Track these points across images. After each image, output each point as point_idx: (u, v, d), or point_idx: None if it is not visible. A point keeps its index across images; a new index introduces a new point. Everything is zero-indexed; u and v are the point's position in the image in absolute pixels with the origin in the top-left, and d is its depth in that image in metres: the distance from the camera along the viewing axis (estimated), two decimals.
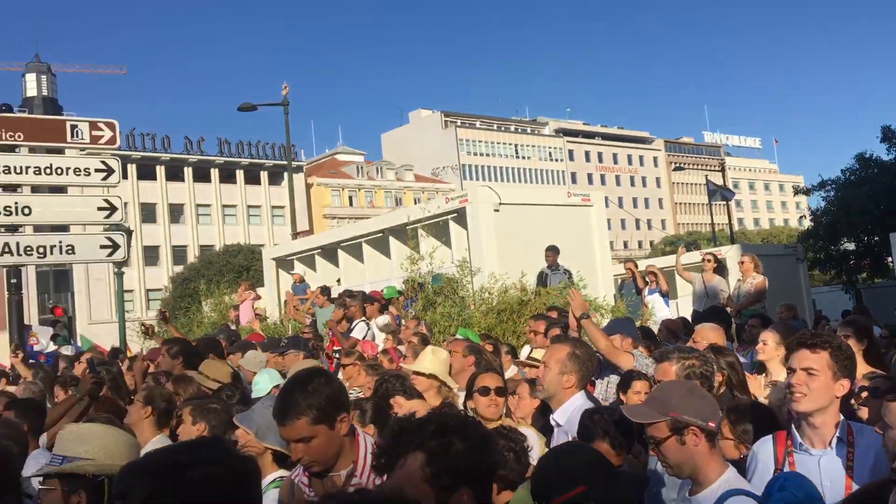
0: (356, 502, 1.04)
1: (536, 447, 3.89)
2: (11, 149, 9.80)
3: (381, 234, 14.16)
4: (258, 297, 15.47)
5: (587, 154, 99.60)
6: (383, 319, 10.29)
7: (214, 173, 63.92)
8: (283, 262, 17.04)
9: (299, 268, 15.89)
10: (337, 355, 8.91)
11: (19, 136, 9.73)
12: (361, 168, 78.91)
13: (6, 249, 9.49)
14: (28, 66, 60.03)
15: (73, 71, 76.94)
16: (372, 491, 1.22)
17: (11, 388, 7.02)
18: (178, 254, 59.50)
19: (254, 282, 17.19)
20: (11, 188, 9.79)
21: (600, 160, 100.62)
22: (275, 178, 65.99)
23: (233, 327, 13.48)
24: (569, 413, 3.82)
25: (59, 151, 13.24)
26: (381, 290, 11.26)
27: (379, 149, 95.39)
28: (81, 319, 50.84)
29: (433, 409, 3.99)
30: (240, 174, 64.97)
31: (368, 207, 72.85)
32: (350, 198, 75.63)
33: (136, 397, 5.10)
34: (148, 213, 59.46)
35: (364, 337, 9.95)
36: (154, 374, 6.74)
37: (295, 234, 22.93)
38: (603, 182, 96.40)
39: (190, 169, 62.59)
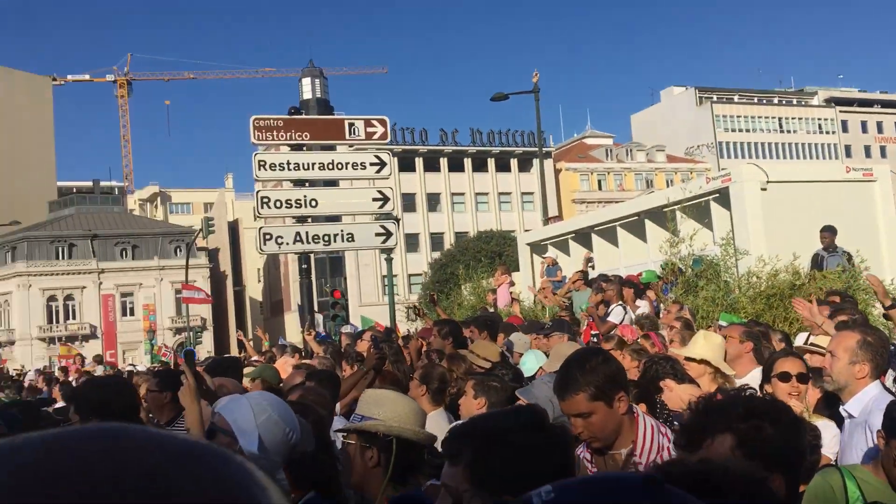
0: (702, 471, 1.07)
1: (834, 442, 3.66)
2: (300, 147, 10.96)
3: (636, 217, 13.92)
4: (513, 283, 15.89)
5: (863, 124, 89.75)
6: (643, 308, 10.12)
7: (467, 163, 66.35)
8: (537, 247, 17.35)
9: (552, 252, 16.09)
10: (594, 339, 8.93)
11: (306, 136, 10.85)
12: (610, 151, 77.68)
13: (297, 238, 10.63)
14: (303, 71, 66.20)
15: (341, 74, 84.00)
16: (723, 462, 1.24)
17: (306, 362, 7.86)
18: (436, 240, 62.60)
19: (508, 266, 17.66)
20: (300, 183, 10.95)
21: (880, 130, 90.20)
22: (524, 165, 67.08)
23: (490, 310, 13.97)
24: (863, 404, 3.55)
25: (331, 148, 14.52)
26: (639, 274, 11.07)
27: (628, 130, 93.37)
28: (353, 301, 55.35)
29: (736, 391, 3.85)
30: (491, 162, 66.85)
31: (618, 191, 71.63)
32: (599, 181, 74.82)
33: (414, 375, 5.51)
34: (408, 202, 63.17)
35: (621, 321, 9.87)
36: (427, 353, 7.23)
37: (546, 220, 23.19)
38: (883, 154, 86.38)
39: (445, 159, 65.53)
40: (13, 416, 4.03)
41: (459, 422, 2.89)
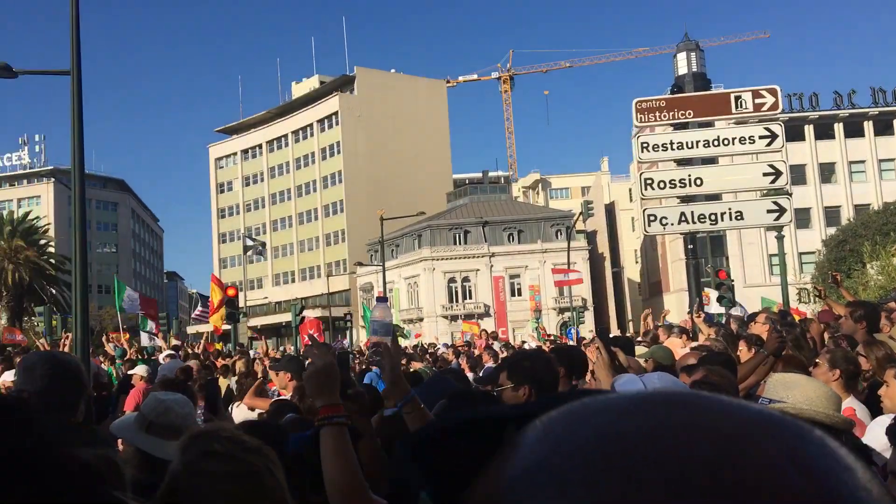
0: None
1: None
2: (683, 126, 10.79)
3: None
4: None
5: None
6: None
7: (868, 126, 59.03)
8: None
9: None
10: None
11: (689, 114, 10.64)
12: None
13: (682, 218, 10.49)
14: (678, 46, 64.57)
15: (718, 44, 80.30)
16: None
17: (702, 343, 7.78)
18: (831, 214, 56.92)
19: None
20: (685, 161, 10.77)
21: None
22: None
23: None
24: None
25: (709, 124, 14.12)
26: None
27: None
28: (737, 283, 52.79)
29: None
30: None
31: None
32: None
33: (819, 359, 5.21)
34: (797, 174, 58.19)
35: None
36: (834, 337, 6.73)
37: None
38: None
39: (840, 125, 59.08)
40: (447, 381, 4.68)
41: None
